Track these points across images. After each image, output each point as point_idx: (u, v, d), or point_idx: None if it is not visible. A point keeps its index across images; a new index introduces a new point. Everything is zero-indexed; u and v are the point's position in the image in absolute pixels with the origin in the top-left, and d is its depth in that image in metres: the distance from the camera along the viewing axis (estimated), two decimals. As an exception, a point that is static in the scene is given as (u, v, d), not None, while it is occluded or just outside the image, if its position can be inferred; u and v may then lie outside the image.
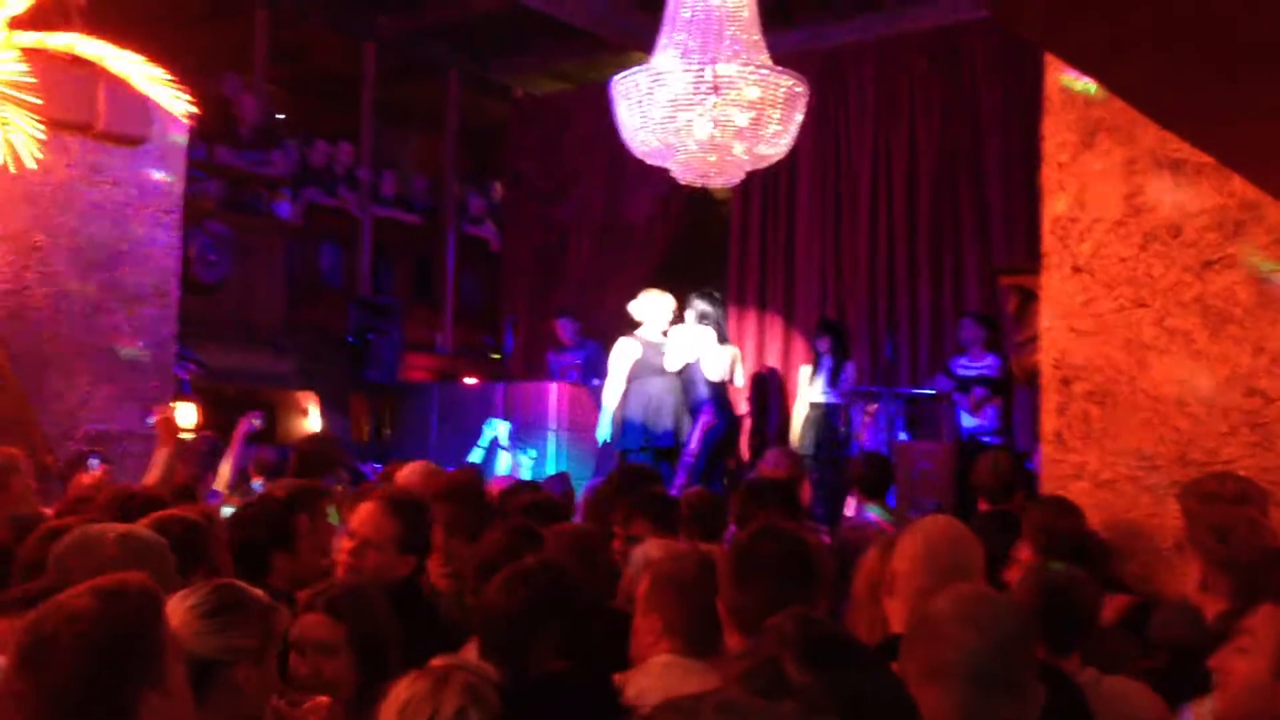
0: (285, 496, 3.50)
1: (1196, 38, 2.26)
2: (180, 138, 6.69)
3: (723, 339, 8.27)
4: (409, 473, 4.56)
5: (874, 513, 5.34)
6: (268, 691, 2.10)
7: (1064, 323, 4.27)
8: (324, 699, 2.35)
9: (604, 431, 8.08)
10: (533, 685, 2.23)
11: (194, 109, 6.00)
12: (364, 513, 3.16)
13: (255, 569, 3.16)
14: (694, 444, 7.99)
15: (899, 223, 9.58)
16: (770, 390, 9.97)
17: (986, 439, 7.65)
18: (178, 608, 2.05)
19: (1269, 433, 3.77)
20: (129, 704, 1.69)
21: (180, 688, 1.79)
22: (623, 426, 8.11)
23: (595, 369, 9.43)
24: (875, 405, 8.35)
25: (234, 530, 3.38)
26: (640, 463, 7.16)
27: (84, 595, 1.74)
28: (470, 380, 10.61)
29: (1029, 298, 6.03)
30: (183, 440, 5.22)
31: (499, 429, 8.81)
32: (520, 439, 8.86)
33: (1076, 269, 4.23)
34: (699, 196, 10.10)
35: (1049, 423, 4.30)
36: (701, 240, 11.32)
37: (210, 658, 1.99)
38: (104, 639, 1.69)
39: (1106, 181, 4.17)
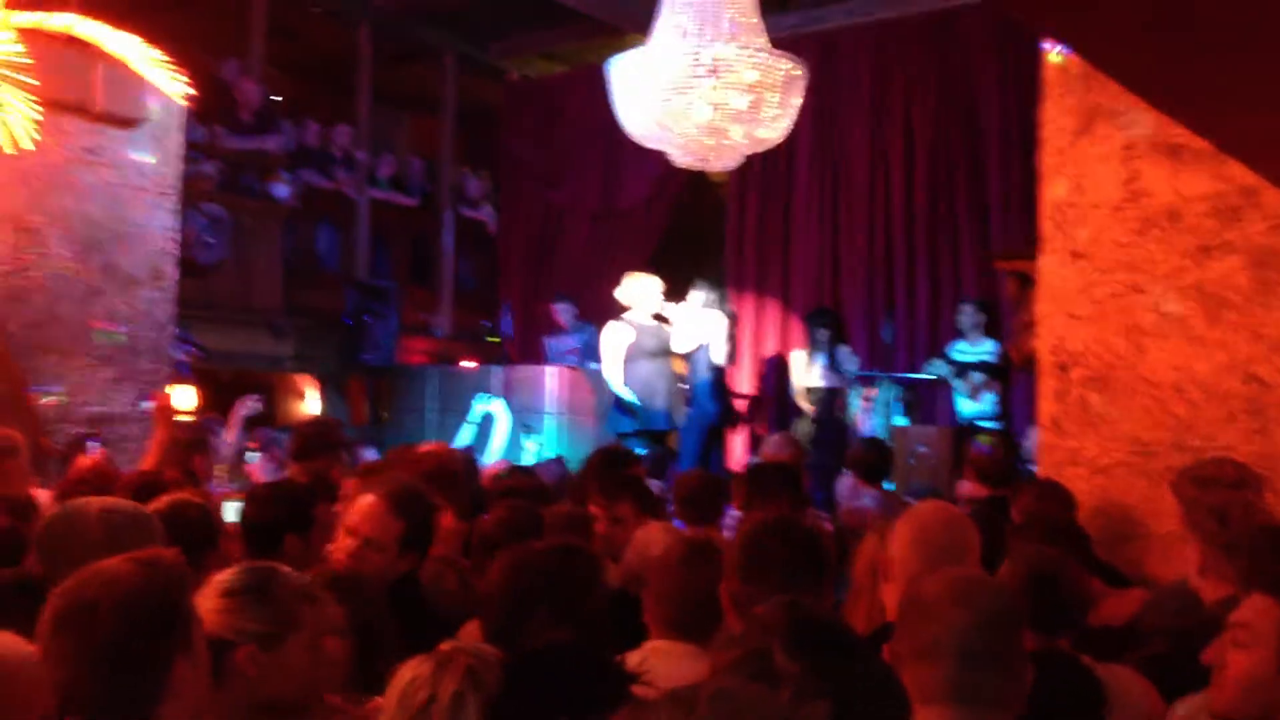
0: (308, 481, 3.48)
1: (1194, 26, 2.25)
2: (177, 119, 6.66)
3: (732, 325, 8.26)
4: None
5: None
6: (284, 679, 2.08)
7: (1062, 308, 4.27)
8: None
9: (630, 399, 8.04)
10: (532, 658, 2.23)
11: (191, 90, 5.98)
12: (366, 510, 2.95)
13: (266, 548, 3.09)
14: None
15: (897, 207, 9.56)
16: (775, 374, 9.98)
17: (984, 424, 7.66)
18: (210, 582, 2.09)
19: (1266, 419, 3.78)
20: (164, 668, 1.75)
21: (204, 658, 1.85)
22: (616, 410, 8.09)
23: (592, 353, 9.43)
24: (873, 390, 8.36)
25: (253, 507, 3.31)
26: (616, 444, 7.14)
27: (122, 563, 1.80)
28: (468, 363, 10.60)
29: (1027, 283, 6.05)
30: (179, 424, 5.21)
31: (491, 405, 8.79)
32: (524, 424, 8.83)
33: (1074, 254, 4.24)
34: (696, 180, 10.08)
35: (1046, 408, 4.31)
36: (698, 224, 11.30)
37: (216, 635, 2.01)
38: (145, 604, 1.75)
39: (1105, 166, 4.17)
